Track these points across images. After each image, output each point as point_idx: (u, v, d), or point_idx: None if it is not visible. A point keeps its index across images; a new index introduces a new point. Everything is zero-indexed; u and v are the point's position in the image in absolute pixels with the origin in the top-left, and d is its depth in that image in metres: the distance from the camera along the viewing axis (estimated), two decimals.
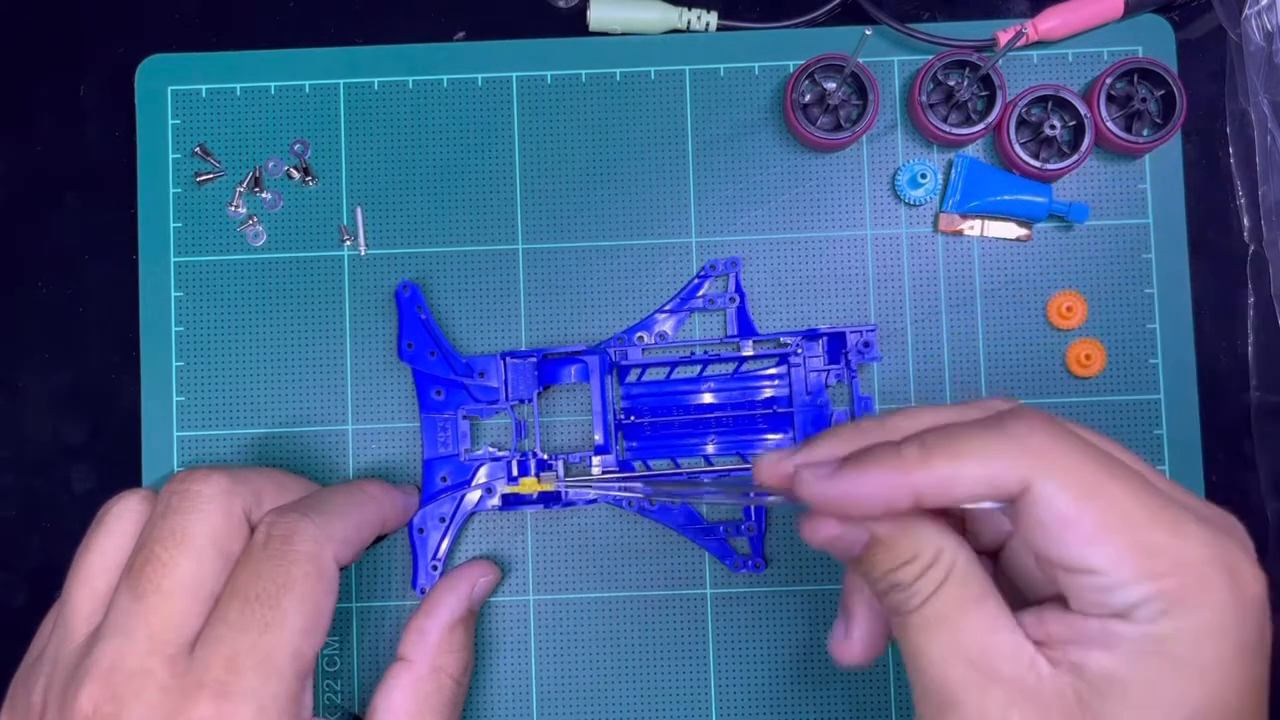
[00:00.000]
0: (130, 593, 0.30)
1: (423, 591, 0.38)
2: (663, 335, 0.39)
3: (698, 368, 0.39)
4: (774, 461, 0.28)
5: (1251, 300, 0.39)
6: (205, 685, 0.29)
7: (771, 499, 0.29)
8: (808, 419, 0.38)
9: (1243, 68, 0.39)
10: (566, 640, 0.39)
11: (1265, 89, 0.38)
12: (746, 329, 0.39)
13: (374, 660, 0.39)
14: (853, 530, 0.26)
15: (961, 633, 0.25)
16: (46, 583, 0.39)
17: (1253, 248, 0.40)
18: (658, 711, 0.38)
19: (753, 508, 0.38)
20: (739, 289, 0.39)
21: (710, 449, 0.39)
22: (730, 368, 0.39)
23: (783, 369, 0.39)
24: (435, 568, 0.38)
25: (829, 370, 0.39)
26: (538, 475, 0.38)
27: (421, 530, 0.38)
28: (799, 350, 0.39)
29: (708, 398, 0.39)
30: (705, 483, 0.38)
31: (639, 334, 0.39)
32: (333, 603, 0.32)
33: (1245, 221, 0.40)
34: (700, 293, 0.39)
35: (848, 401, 0.39)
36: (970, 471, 0.25)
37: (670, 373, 0.39)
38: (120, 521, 0.33)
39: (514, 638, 0.39)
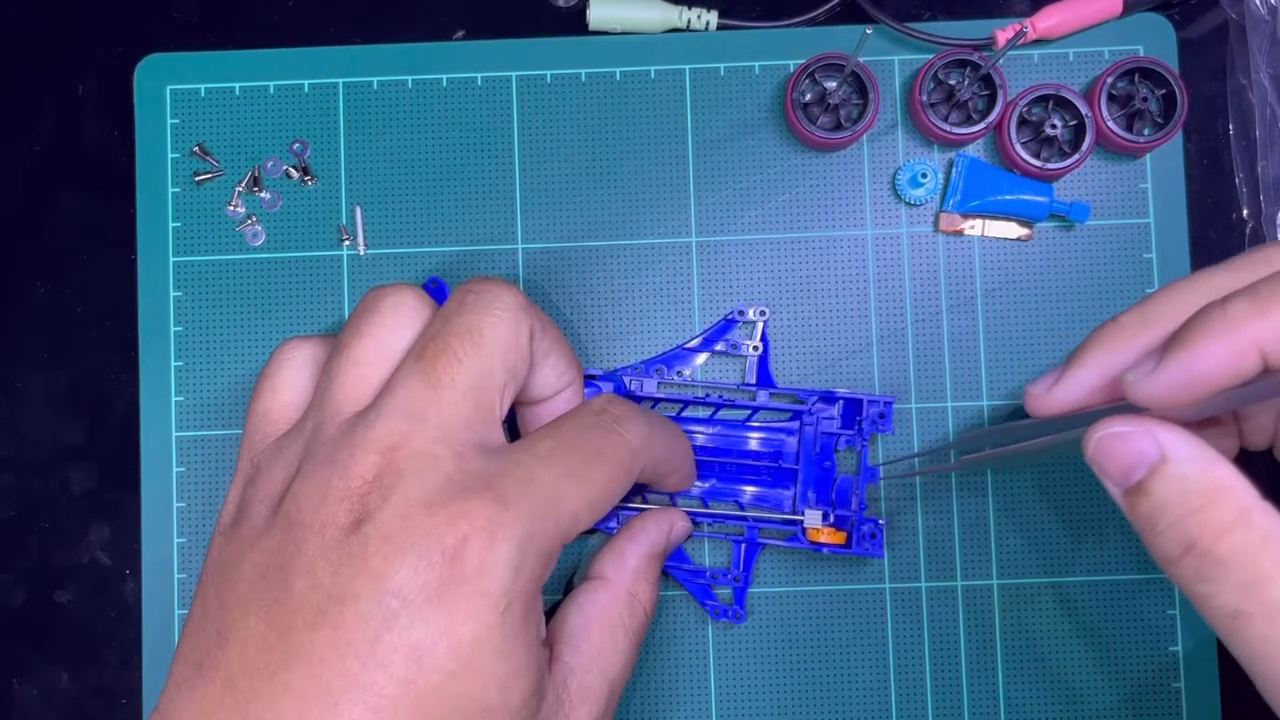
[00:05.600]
0: (423, 379, 0.29)
1: None
2: (680, 374, 0.39)
3: (710, 409, 0.39)
4: (1072, 381, 0.27)
5: None
6: (489, 492, 0.27)
7: (1068, 434, 0.27)
8: (810, 478, 0.38)
9: (1243, 44, 0.39)
10: None
11: (1267, 64, 0.38)
12: (765, 379, 0.39)
13: None
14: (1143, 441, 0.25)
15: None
16: (46, 583, 0.39)
17: (1251, 224, 0.39)
18: (658, 711, 0.38)
19: (742, 558, 0.38)
20: (764, 338, 0.39)
21: (712, 490, 0.39)
22: (742, 414, 0.39)
23: (794, 424, 0.39)
24: None
25: (841, 434, 0.38)
26: None
27: None
28: (813, 410, 0.38)
29: (715, 441, 0.39)
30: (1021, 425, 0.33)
31: (658, 366, 0.39)
32: (618, 497, 0.31)
33: (1244, 198, 0.39)
34: (726, 335, 0.39)
35: (855, 468, 0.38)
36: None
37: (681, 410, 0.39)
38: (397, 314, 0.31)
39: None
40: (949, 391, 0.39)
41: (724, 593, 0.38)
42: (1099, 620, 0.38)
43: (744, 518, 0.38)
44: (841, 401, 0.38)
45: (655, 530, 0.35)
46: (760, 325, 0.39)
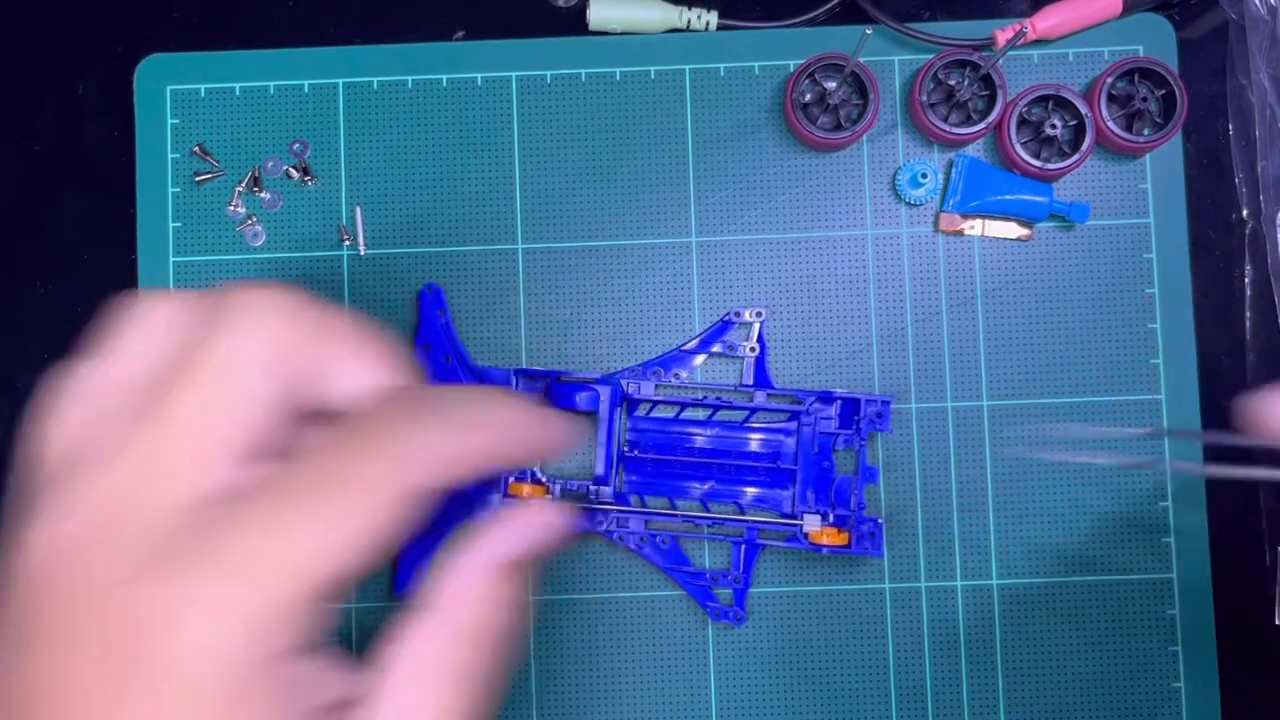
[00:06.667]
0: (150, 425, 0.24)
1: (402, 594, 0.38)
2: (678, 376, 0.39)
3: (708, 410, 0.39)
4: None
5: (1250, 278, 0.39)
6: (210, 557, 0.23)
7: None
8: (809, 478, 0.38)
9: (1242, 44, 0.39)
10: (566, 640, 0.39)
11: (1266, 64, 0.38)
12: (762, 380, 0.39)
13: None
14: None
15: None
16: None
17: (1251, 224, 0.39)
18: (658, 712, 0.38)
19: (742, 560, 0.38)
20: (761, 339, 0.39)
21: (711, 493, 0.39)
22: (740, 415, 0.39)
23: (792, 424, 0.39)
24: (419, 572, 0.38)
25: (839, 434, 0.38)
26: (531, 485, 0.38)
27: None
28: (811, 410, 0.38)
29: (713, 443, 0.39)
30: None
31: (655, 369, 0.39)
32: (401, 526, 0.24)
33: (1244, 198, 0.39)
34: (724, 337, 0.39)
35: (853, 468, 0.38)
36: None
37: (679, 412, 0.39)
38: (147, 327, 0.26)
39: (514, 637, 0.39)
40: (949, 391, 0.39)
41: (724, 594, 0.38)
42: (1099, 620, 0.38)
43: (743, 520, 0.38)
44: (839, 401, 0.38)
45: (505, 536, 0.27)
46: (757, 326, 0.39)
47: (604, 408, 0.38)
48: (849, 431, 0.38)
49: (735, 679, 0.39)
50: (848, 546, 0.37)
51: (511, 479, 0.38)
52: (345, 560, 0.23)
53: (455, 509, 0.38)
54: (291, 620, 0.23)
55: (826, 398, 0.38)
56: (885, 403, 0.38)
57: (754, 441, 0.39)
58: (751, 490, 0.39)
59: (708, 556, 0.39)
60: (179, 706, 0.22)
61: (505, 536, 0.27)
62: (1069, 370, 0.39)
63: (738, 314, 0.39)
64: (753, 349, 0.39)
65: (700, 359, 0.39)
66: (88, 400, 0.25)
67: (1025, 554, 0.39)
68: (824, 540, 0.37)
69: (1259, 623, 0.38)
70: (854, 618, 0.39)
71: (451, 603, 0.26)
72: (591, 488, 0.38)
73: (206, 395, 0.24)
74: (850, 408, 0.38)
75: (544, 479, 0.38)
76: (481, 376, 0.38)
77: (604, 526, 0.38)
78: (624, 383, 0.38)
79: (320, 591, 0.23)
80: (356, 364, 0.26)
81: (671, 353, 0.39)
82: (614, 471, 0.38)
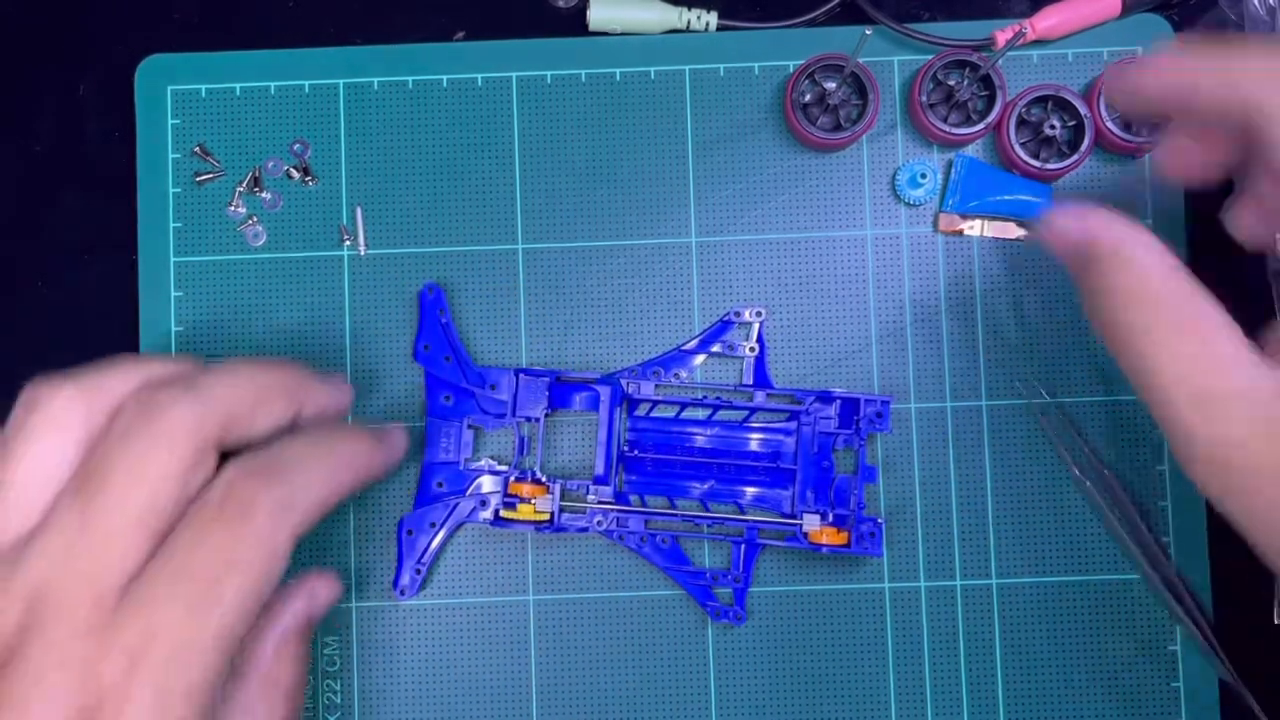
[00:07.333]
0: (78, 517, 0.27)
1: (402, 592, 0.38)
2: (678, 376, 0.39)
3: (708, 410, 0.39)
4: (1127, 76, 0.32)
5: (1250, 278, 0.39)
6: (118, 648, 0.26)
7: None
8: (809, 478, 0.38)
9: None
10: (566, 640, 0.39)
11: None
12: (762, 380, 0.39)
13: (374, 660, 0.39)
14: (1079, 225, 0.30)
15: (1186, 374, 0.27)
16: None
17: None
18: (658, 712, 0.38)
19: (742, 559, 0.38)
20: (761, 339, 0.39)
21: (711, 492, 0.39)
22: (740, 415, 0.39)
23: (792, 424, 0.39)
24: (419, 571, 0.38)
25: (839, 434, 0.38)
26: (533, 501, 0.38)
27: (410, 532, 0.38)
28: (811, 410, 0.38)
29: (713, 442, 0.39)
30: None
31: (655, 369, 0.39)
32: (277, 580, 0.28)
33: None
34: (723, 337, 0.39)
35: (853, 467, 0.38)
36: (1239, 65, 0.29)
37: (679, 412, 0.39)
38: (52, 432, 0.29)
39: (514, 638, 0.39)
40: (948, 391, 0.39)
41: (724, 593, 0.38)
42: (1099, 620, 0.38)
43: (743, 520, 0.38)
44: (839, 401, 0.38)
45: (291, 608, 0.32)
46: (756, 326, 0.39)
47: (604, 408, 0.38)
48: (848, 431, 0.38)
49: (735, 679, 0.39)
50: (847, 546, 0.37)
51: (512, 479, 0.38)
52: (250, 619, 0.28)
53: (436, 508, 0.38)
54: (216, 676, 0.27)
55: (826, 397, 0.38)
56: (885, 403, 0.38)
57: (754, 441, 0.39)
58: (751, 490, 0.39)
59: (707, 556, 0.39)
60: None
61: (288, 612, 0.32)
62: (1069, 370, 0.39)
63: (737, 314, 0.39)
64: (752, 349, 0.39)
65: (700, 359, 0.39)
66: (23, 486, 0.28)
67: (1025, 554, 0.39)
68: (824, 540, 0.37)
69: (1259, 623, 0.38)
70: (853, 617, 0.39)
71: (255, 666, 0.31)
72: (592, 487, 0.38)
73: (143, 500, 0.27)
74: (850, 407, 0.38)
75: (544, 479, 0.38)
76: (482, 376, 0.38)
77: (604, 526, 0.38)
78: (624, 383, 0.38)
79: (232, 651, 0.27)
80: (265, 410, 0.31)
81: (671, 353, 0.39)
82: (614, 471, 0.38)
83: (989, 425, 0.39)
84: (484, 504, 0.38)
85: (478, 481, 0.38)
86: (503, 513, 0.38)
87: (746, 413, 0.39)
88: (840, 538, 0.37)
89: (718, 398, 0.39)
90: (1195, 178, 0.33)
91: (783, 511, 0.38)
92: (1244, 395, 0.27)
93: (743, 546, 0.38)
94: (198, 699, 0.27)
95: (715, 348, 0.39)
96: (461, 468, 0.38)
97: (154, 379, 0.30)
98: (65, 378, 0.30)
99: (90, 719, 0.26)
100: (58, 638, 0.26)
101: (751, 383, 0.39)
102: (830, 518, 0.37)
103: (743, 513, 0.38)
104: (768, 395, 0.39)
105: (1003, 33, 0.38)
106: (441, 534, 0.38)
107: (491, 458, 0.39)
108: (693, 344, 0.39)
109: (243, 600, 0.27)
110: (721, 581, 0.38)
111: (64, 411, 0.29)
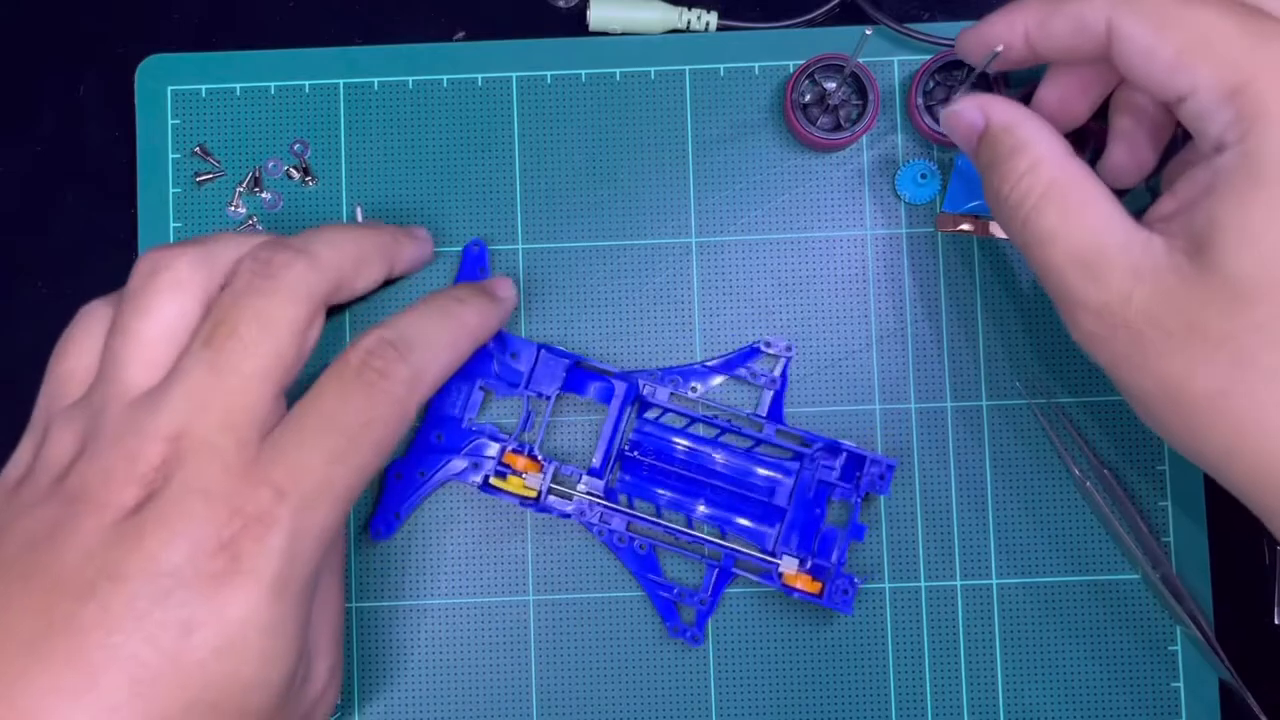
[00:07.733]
0: (208, 367, 0.29)
1: (376, 533, 0.38)
2: (694, 389, 0.39)
3: (715, 430, 0.39)
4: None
5: None
6: (265, 483, 0.28)
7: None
8: (797, 521, 0.38)
9: None
10: (567, 640, 0.39)
11: None
12: (776, 415, 0.39)
13: (374, 660, 0.39)
14: (971, 113, 0.32)
15: (1070, 238, 0.28)
16: None
17: None
18: (658, 712, 0.38)
19: (712, 583, 0.38)
20: (784, 375, 0.39)
21: (699, 511, 0.38)
22: (746, 443, 0.39)
23: (794, 464, 0.38)
24: (397, 516, 0.38)
25: (838, 486, 0.38)
26: (524, 475, 0.38)
27: (399, 475, 0.38)
28: (815, 456, 0.38)
29: (713, 463, 0.39)
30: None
31: (674, 377, 0.39)
32: (400, 441, 0.32)
33: None
34: (749, 363, 0.39)
35: (844, 521, 0.38)
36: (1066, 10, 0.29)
37: (688, 424, 0.39)
38: (177, 292, 0.31)
39: (514, 638, 0.39)
40: (948, 391, 0.39)
41: (687, 611, 0.38)
42: (1099, 620, 0.38)
43: (723, 545, 0.38)
44: (845, 454, 0.38)
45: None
46: (782, 362, 0.39)
47: (616, 402, 0.38)
48: (848, 485, 0.38)
49: (736, 678, 0.39)
50: (819, 596, 0.37)
51: (509, 449, 0.38)
52: (371, 477, 0.31)
53: (429, 458, 0.38)
54: (335, 532, 0.30)
55: (834, 448, 0.38)
56: (890, 466, 0.37)
57: (753, 472, 0.39)
58: (738, 519, 0.38)
59: (680, 572, 0.39)
60: (260, 596, 0.27)
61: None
62: (1069, 370, 0.39)
63: (768, 344, 0.39)
64: (773, 382, 0.39)
65: (719, 379, 0.39)
66: (153, 341, 0.30)
67: (1025, 554, 0.39)
68: (797, 585, 0.37)
69: (1259, 623, 0.38)
70: (853, 617, 0.39)
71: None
72: (584, 477, 0.38)
73: (269, 351, 0.29)
74: (854, 462, 0.38)
75: (540, 456, 0.38)
76: (505, 341, 0.38)
77: (587, 518, 0.38)
78: (641, 383, 0.38)
79: (350, 507, 0.30)
80: (366, 269, 0.34)
81: (693, 365, 0.39)
82: (609, 467, 0.38)
83: (989, 425, 0.39)
84: (476, 467, 0.38)
85: (479, 443, 0.38)
86: (493, 480, 0.38)
87: (753, 443, 0.39)
88: (814, 586, 0.37)
89: (729, 420, 0.38)
90: (1068, 123, 0.34)
91: (764, 547, 0.38)
92: (1124, 249, 0.28)
93: (716, 571, 0.38)
94: (323, 541, 0.29)
95: (740, 371, 0.39)
96: (464, 425, 0.38)
97: (263, 245, 0.32)
98: (184, 243, 0.32)
99: (230, 549, 0.27)
100: (205, 473, 0.28)
101: (765, 414, 0.39)
102: (809, 565, 0.37)
103: (724, 537, 0.38)
104: (778, 431, 0.38)
105: None
106: (428, 486, 0.38)
107: (495, 424, 0.39)
108: (716, 362, 0.39)
109: (375, 457, 0.30)
110: (687, 600, 0.38)
111: (189, 270, 0.31)
